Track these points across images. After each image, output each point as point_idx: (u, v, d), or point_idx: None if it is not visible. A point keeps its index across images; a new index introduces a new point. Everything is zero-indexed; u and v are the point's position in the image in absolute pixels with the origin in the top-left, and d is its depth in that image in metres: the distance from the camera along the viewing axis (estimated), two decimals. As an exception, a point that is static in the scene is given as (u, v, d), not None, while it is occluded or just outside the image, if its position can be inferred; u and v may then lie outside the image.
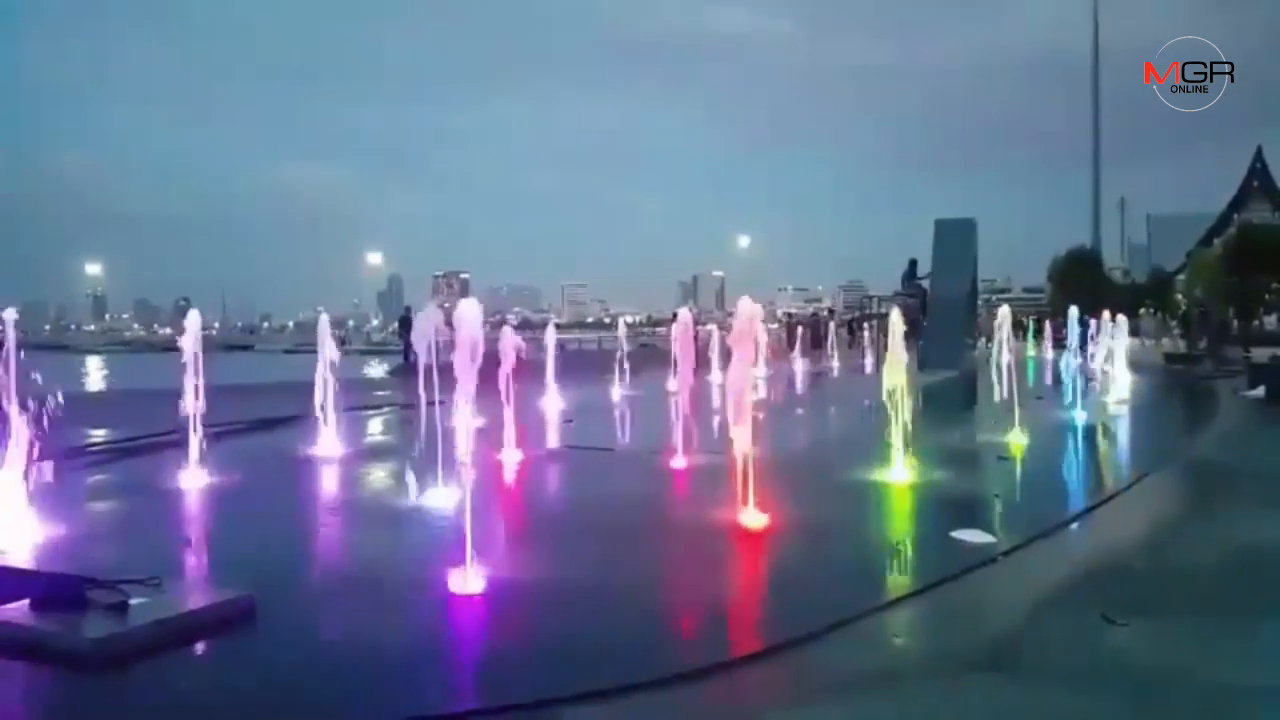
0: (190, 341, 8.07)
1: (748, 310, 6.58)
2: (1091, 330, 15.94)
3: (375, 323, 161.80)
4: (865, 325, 35.84)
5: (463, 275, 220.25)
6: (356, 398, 14.12)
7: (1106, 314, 16.82)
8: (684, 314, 10.09)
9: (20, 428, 5.99)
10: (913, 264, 25.49)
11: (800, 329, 31.48)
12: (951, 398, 16.17)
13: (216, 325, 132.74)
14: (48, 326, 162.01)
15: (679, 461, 8.59)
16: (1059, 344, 23.34)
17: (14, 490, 5.97)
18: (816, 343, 30.84)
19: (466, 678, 4.03)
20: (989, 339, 16.98)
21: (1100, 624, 4.35)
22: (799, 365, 23.99)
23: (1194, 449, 10.72)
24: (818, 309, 77.38)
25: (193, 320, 8.31)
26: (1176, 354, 27.57)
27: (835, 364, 25.72)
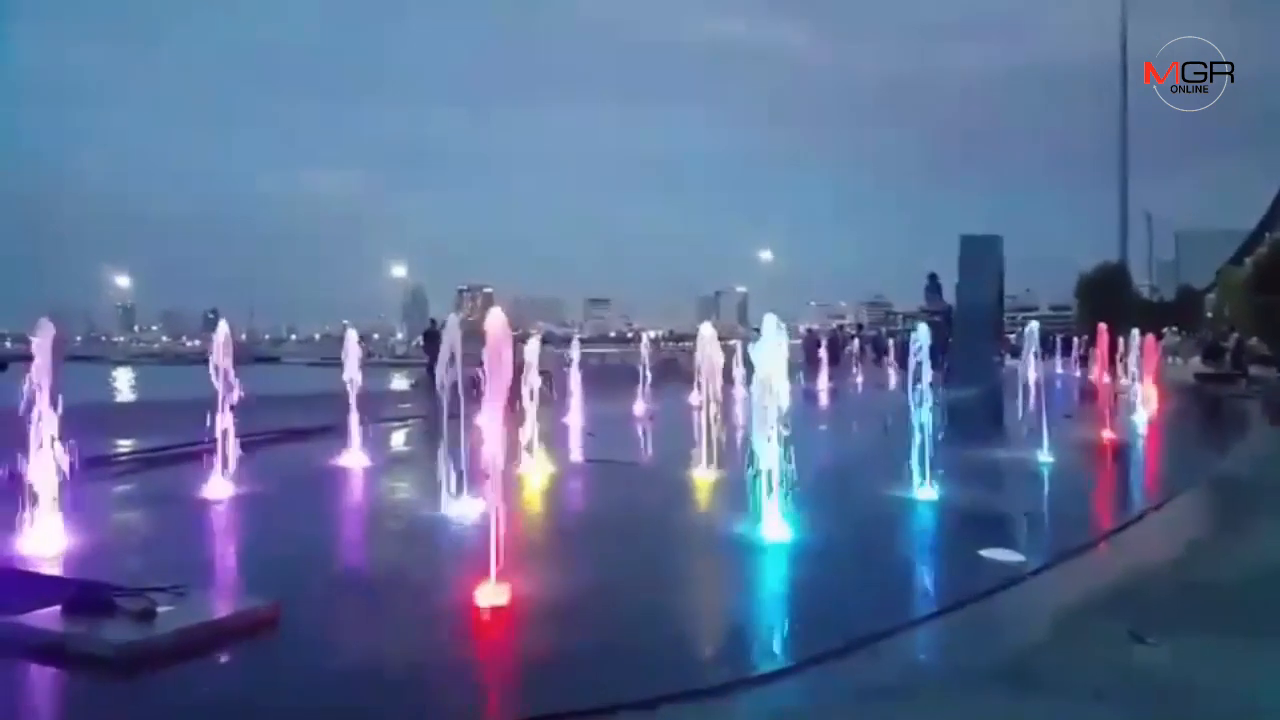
0: (220, 354, 8.16)
1: (773, 327, 6.59)
2: (1121, 348, 15.81)
3: (400, 335, 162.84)
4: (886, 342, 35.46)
5: (486, 289, 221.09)
6: (382, 410, 14.21)
7: (1136, 332, 16.63)
8: (707, 329, 10.09)
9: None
10: (932, 277, 25.28)
11: (820, 345, 31.09)
12: (978, 414, 16.04)
13: (244, 336, 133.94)
14: (79, 338, 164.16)
15: (702, 475, 8.56)
16: (1086, 361, 23.11)
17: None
18: (834, 358, 30.39)
19: (488, 689, 4.02)
20: (1015, 355, 16.82)
21: (1129, 642, 4.29)
22: (818, 382, 23.67)
23: (1226, 467, 10.56)
24: (840, 324, 76.87)
25: (222, 332, 8.39)
26: (1208, 373, 27.24)
27: (858, 380, 25.55)
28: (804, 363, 27.39)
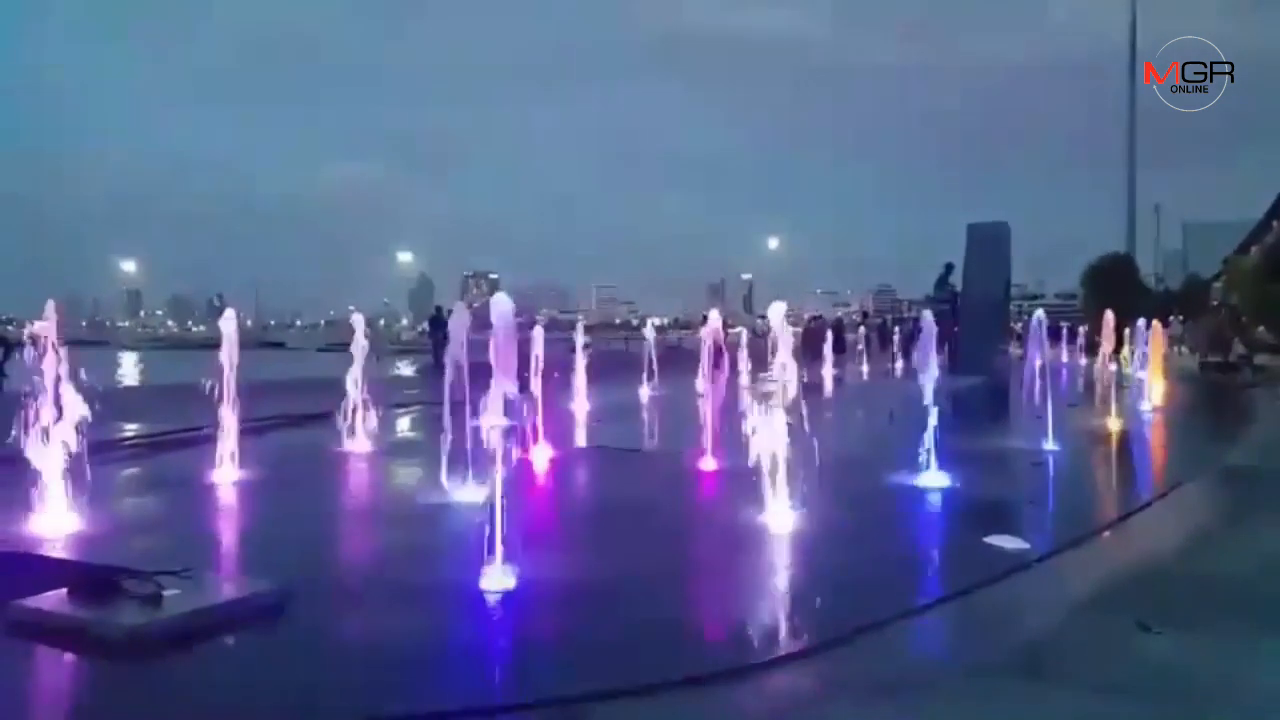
0: (227, 339, 8.14)
1: (778, 316, 6.62)
2: (1127, 336, 15.75)
3: (405, 322, 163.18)
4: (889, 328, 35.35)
5: (491, 275, 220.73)
6: (387, 396, 14.21)
7: (1141, 320, 16.58)
8: (714, 316, 10.06)
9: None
10: (948, 268, 25.16)
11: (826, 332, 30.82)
12: (984, 402, 16.02)
13: (249, 323, 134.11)
14: (84, 322, 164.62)
15: (707, 463, 8.56)
16: (1092, 349, 23.04)
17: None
18: (839, 346, 30.04)
19: (494, 674, 4.04)
20: (1021, 343, 16.81)
21: (1136, 631, 4.28)
22: (823, 370, 23.51)
23: (1234, 455, 10.53)
24: (845, 312, 76.85)
25: (228, 318, 8.37)
26: (1213, 362, 27.16)
27: (862, 368, 25.48)
28: (806, 351, 27.16)
